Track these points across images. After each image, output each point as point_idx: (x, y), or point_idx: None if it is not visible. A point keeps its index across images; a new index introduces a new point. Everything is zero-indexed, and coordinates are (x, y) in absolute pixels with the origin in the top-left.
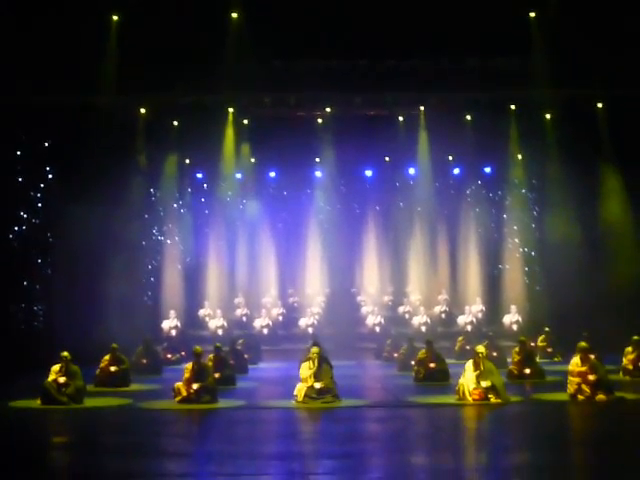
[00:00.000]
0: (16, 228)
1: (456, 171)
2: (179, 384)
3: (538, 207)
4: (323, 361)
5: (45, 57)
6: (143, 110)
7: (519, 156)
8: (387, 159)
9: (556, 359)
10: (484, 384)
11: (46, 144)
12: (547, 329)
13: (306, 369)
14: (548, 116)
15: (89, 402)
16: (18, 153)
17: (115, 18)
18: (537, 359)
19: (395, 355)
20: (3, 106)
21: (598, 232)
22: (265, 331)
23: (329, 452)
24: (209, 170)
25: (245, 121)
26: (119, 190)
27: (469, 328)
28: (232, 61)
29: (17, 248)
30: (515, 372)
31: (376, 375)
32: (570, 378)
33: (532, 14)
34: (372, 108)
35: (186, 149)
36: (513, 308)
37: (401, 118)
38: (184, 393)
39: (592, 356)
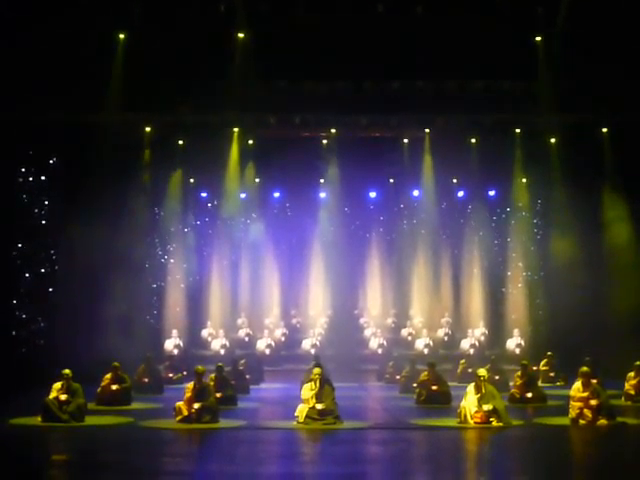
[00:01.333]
0: (19, 245)
1: (460, 194)
2: (180, 403)
3: (542, 231)
4: (325, 382)
5: (51, 74)
6: (148, 129)
7: (523, 180)
8: (392, 181)
9: (558, 383)
10: (486, 407)
11: (50, 162)
12: (550, 353)
13: (308, 390)
14: (553, 140)
15: (90, 420)
16: (22, 170)
17: (122, 36)
18: (539, 383)
19: (397, 377)
20: (8, 123)
21: (602, 256)
22: (267, 351)
23: (330, 473)
24: (213, 189)
25: (250, 141)
26: (123, 208)
27: (471, 351)
28: (238, 81)
29: (20, 265)
30: (517, 396)
31: (378, 397)
32: (572, 403)
33: (538, 38)
34: (377, 130)
35: (191, 168)
36: (516, 332)
37: (406, 140)
38: (185, 412)
39: (594, 381)
